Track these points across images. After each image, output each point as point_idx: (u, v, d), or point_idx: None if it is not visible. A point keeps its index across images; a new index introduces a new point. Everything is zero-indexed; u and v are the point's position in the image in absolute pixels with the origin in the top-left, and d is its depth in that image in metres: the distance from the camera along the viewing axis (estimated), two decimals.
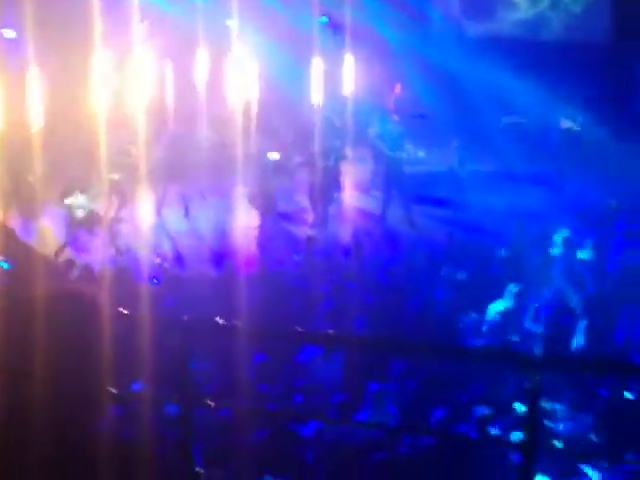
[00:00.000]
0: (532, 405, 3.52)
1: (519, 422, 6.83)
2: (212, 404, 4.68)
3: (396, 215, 15.88)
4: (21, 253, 11.02)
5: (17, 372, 2.52)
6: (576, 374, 6.61)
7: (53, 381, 2.56)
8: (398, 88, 18.65)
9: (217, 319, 4.29)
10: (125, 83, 15.14)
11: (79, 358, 2.64)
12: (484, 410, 7.59)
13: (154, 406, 4.40)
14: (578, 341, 9.67)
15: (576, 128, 18.26)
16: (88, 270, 10.84)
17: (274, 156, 15.81)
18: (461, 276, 11.40)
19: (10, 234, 11.79)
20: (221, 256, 13.10)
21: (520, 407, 7.10)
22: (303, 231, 15.05)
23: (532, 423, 3.56)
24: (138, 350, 4.04)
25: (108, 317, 2.87)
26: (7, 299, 2.73)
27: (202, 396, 4.67)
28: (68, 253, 12.63)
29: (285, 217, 15.87)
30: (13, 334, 2.54)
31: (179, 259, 13.31)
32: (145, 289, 10.00)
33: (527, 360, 3.82)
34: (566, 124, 18.42)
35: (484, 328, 10.05)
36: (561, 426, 7.74)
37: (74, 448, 2.57)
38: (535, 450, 3.57)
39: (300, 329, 5.71)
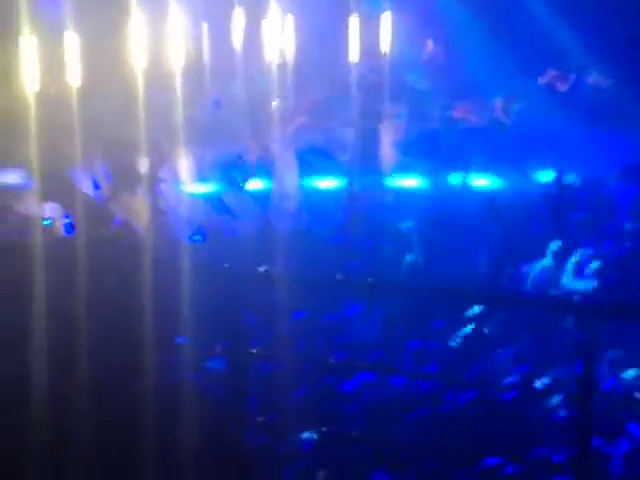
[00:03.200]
0: (588, 357, 3.36)
1: (566, 379, 6.77)
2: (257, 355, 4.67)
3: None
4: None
5: (65, 311, 2.49)
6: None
7: (100, 325, 2.54)
8: (430, 44, 18.36)
9: (260, 268, 4.26)
10: (162, 44, 15.05)
11: (126, 302, 2.61)
12: (528, 367, 7.54)
13: (200, 357, 4.38)
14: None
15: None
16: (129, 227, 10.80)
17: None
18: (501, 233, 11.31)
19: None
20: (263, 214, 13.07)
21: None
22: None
23: (588, 376, 3.41)
24: (183, 300, 3.99)
25: (150, 263, 2.83)
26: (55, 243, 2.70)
27: (247, 350, 4.65)
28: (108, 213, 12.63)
29: None
30: (61, 276, 2.51)
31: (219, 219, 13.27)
32: (187, 245, 9.99)
33: (584, 308, 3.64)
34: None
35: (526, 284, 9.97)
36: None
37: (117, 392, 2.54)
38: (590, 405, 3.44)
39: (341, 277, 5.66)
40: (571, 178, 13.67)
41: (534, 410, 6.93)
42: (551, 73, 17.73)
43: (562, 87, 17.68)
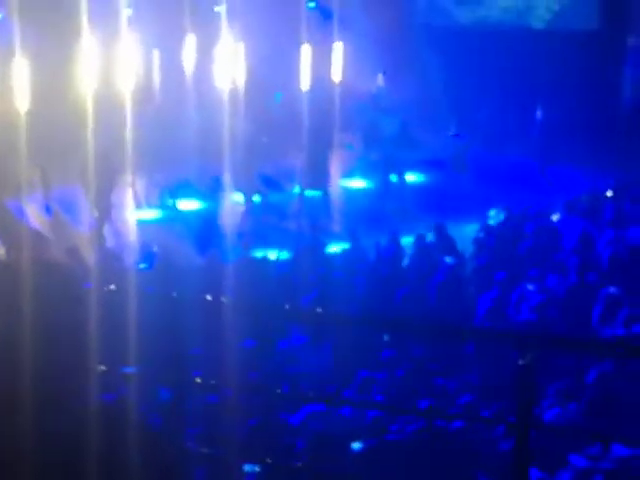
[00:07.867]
0: (525, 383, 3.35)
1: (508, 408, 6.82)
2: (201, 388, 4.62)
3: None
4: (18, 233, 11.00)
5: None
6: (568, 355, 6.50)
7: (40, 357, 2.49)
8: (380, 78, 18.49)
9: (206, 296, 4.22)
10: (112, 68, 15.01)
11: (66, 333, 2.56)
12: (472, 397, 7.57)
13: (145, 389, 4.32)
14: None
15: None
16: (74, 251, 10.69)
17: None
18: (452, 263, 11.40)
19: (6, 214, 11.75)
20: (207, 243, 13.00)
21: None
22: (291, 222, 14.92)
23: (526, 403, 3.40)
24: (127, 329, 3.93)
25: (93, 292, 2.80)
26: None
27: (192, 380, 4.60)
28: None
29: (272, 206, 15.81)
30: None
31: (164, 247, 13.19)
32: (133, 272, 9.93)
33: (522, 337, 3.67)
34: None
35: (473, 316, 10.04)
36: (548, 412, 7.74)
37: (61, 425, 2.50)
38: (528, 431, 3.45)
39: (288, 307, 5.65)
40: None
41: (479, 441, 6.97)
42: None
43: None
